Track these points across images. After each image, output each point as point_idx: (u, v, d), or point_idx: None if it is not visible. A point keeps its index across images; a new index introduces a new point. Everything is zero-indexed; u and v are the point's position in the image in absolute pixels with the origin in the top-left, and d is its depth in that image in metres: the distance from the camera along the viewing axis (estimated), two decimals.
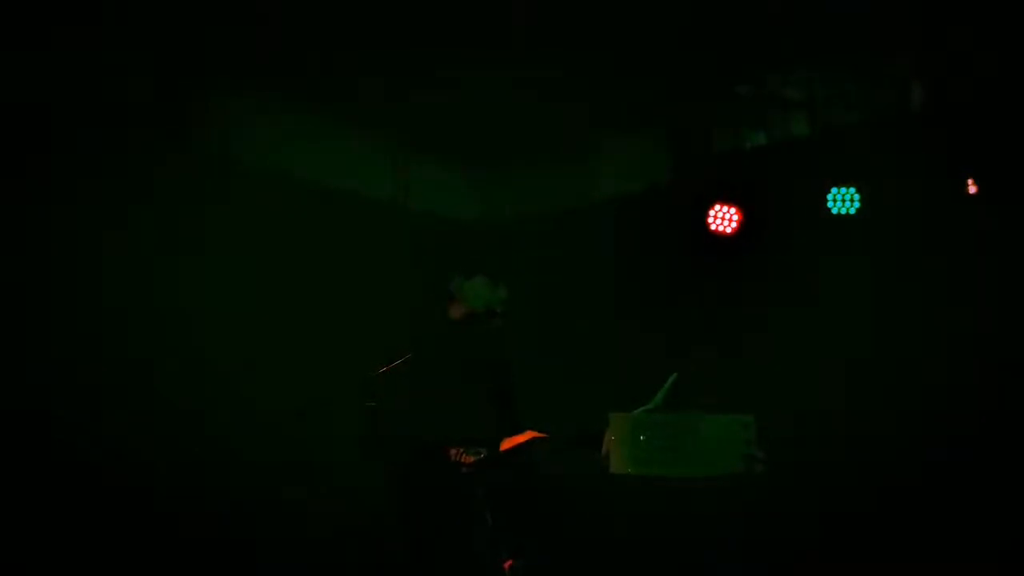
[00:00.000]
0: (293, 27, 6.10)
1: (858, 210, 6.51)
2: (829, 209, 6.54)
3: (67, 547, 5.42)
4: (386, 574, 2.76)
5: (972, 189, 6.17)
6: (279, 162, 6.82)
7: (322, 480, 6.18)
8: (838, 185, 6.52)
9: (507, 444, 2.76)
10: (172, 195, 6.09)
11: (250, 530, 5.98)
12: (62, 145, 5.74)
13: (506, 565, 2.82)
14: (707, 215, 6.93)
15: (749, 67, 7.00)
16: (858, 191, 6.50)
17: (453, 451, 2.75)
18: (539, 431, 2.78)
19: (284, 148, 6.88)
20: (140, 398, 5.80)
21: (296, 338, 6.38)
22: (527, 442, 2.76)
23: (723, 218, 6.92)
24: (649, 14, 6.09)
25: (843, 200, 6.53)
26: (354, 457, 2.87)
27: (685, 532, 6.03)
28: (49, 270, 5.68)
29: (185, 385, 5.93)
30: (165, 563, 5.68)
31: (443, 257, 3.10)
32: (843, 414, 6.14)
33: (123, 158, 5.89)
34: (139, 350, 5.87)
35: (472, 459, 2.75)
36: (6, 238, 5.57)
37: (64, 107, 5.80)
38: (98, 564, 5.49)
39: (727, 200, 6.91)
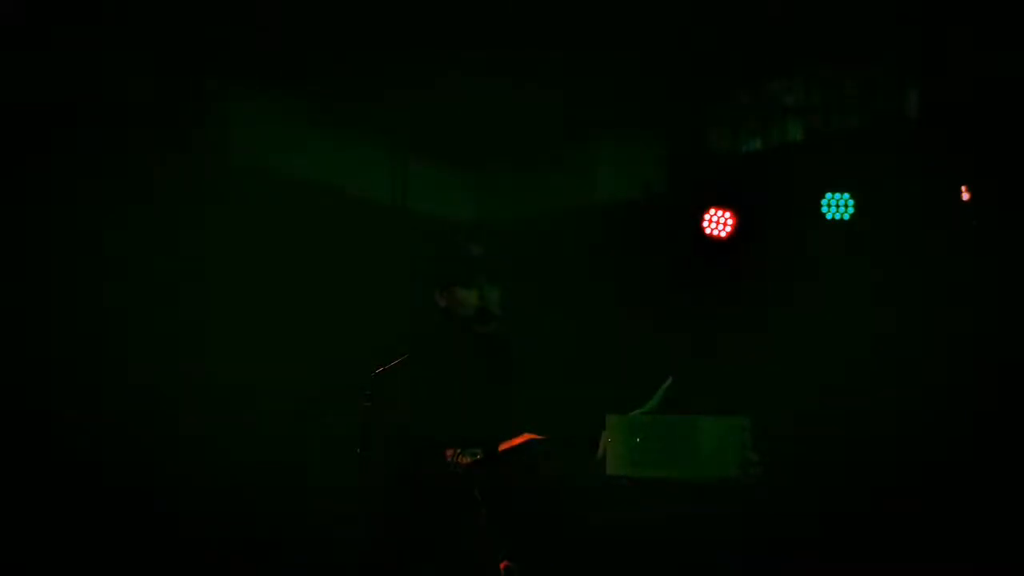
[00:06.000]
0: (293, 28, 6.11)
1: (852, 215, 6.52)
2: (823, 214, 6.55)
3: (67, 547, 5.43)
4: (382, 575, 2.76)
5: (965, 196, 6.17)
6: (278, 163, 6.82)
7: (319, 480, 6.18)
8: (832, 190, 6.53)
9: (504, 445, 2.77)
10: (172, 195, 6.09)
11: (249, 530, 5.98)
12: (62, 145, 5.74)
13: (502, 566, 2.83)
14: (702, 219, 6.94)
15: (745, 72, 7.00)
16: (852, 196, 6.51)
17: (450, 452, 2.76)
18: (536, 433, 2.79)
19: (283, 149, 6.89)
20: (140, 398, 5.80)
21: (296, 338, 6.38)
22: (524, 443, 2.76)
23: (718, 222, 6.93)
24: (646, 18, 6.08)
25: (837, 205, 6.54)
26: (351, 457, 2.87)
27: (684, 533, 6.03)
28: (49, 270, 5.68)
29: (185, 385, 5.94)
30: (165, 563, 5.69)
31: (440, 258, 3.09)
32: (843, 414, 6.14)
33: (123, 158, 5.89)
34: (139, 350, 5.88)
35: (469, 460, 2.75)
36: (6, 238, 5.57)
37: (64, 107, 5.80)
38: (98, 564, 5.49)
39: (722, 204, 6.92)
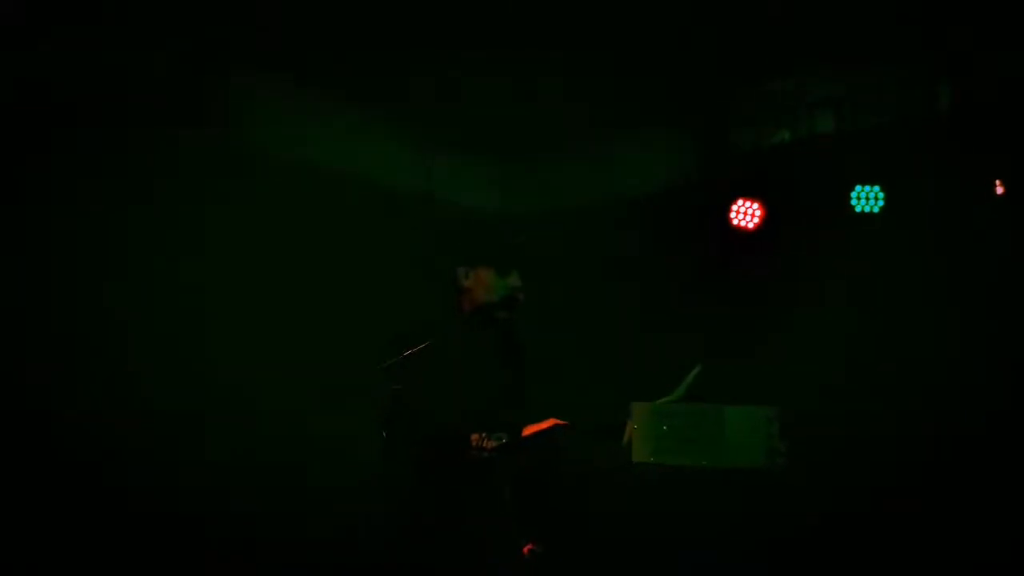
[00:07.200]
0: (306, 20, 6.10)
1: (882, 209, 6.51)
2: (853, 207, 6.55)
3: (67, 547, 5.41)
4: (407, 558, 2.76)
5: (1000, 190, 6.18)
6: (299, 154, 6.81)
7: (319, 480, 6.17)
8: (862, 183, 6.52)
9: (529, 430, 2.78)
10: (173, 195, 6.09)
11: (249, 530, 5.97)
12: (62, 145, 5.73)
13: (525, 550, 2.83)
14: (729, 210, 6.93)
15: (775, 65, 6.97)
16: (883, 190, 6.51)
17: (475, 437, 2.77)
18: (560, 419, 2.80)
19: (291, 146, 6.87)
20: (140, 398, 5.79)
21: (296, 338, 6.37)
22: (549, 428, 2.77)
23: (745, 213, 6.92)
24: (676, 9, 6.08)
25: (867, 199, 6.53)
26: (351, 457, 2.88)
27: (685, 532, 6.04)
28: (49, 270, 5.66)
29: (186, 385, 5.92)
30: (166, 563, 5.67)
31: (465, 248, 3.09)
32: (843, 415, 6.16)
33: (124, 157, 5.89)
34: (139, 350, 5.87)
35: (494, 444, 2.76)
36: (6, 238, 5.56)
37: (64, 107, 5.78)
38: (98, 564, 5.47)
39: (750, 195, 6.90)
